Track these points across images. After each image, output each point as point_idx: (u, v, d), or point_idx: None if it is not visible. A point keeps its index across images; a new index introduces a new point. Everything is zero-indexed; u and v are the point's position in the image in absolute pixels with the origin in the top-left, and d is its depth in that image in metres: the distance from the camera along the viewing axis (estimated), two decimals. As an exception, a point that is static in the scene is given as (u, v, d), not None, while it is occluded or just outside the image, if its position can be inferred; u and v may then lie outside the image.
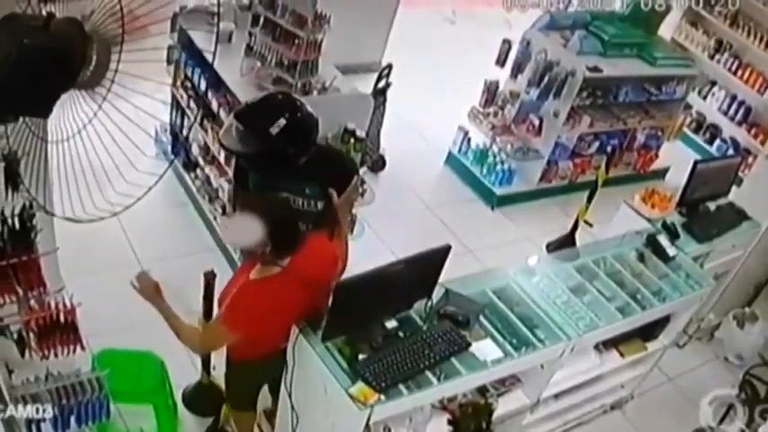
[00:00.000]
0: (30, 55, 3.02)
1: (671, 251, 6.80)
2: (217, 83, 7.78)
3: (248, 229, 4.55)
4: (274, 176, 5.40)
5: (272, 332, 5.00)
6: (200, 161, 8.52)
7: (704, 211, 7.65)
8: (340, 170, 5.72)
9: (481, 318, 5.55)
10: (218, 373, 5.97)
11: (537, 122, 10.03)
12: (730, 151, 12.07)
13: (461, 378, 5.14)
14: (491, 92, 10.47)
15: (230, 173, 7.62)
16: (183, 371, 6.29)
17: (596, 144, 10.63)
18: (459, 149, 10.62)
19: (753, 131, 12.06)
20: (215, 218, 8.15)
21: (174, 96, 8.73)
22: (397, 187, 9.74)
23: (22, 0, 3.16)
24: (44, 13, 3.18)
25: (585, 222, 9.01)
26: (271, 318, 4.85)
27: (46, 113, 3.35)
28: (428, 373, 5.02)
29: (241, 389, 5.62)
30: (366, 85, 9.03)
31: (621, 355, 6.69)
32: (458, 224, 9.49)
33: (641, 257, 6.77)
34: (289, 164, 5.31)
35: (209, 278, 5.76)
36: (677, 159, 11.11)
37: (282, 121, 5.21)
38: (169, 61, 8.46)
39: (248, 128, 5.25)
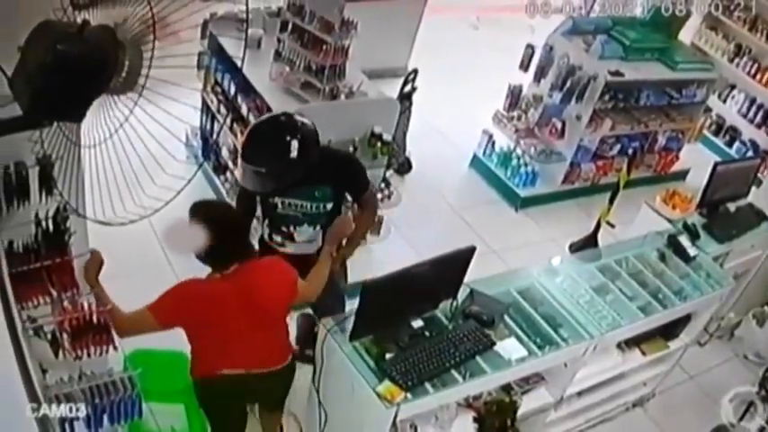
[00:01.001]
0: (64, 61, 3.01)
1: (692, 251, 6.86)
2: (246, 88, 7.90)
3: (190, 237, 4.59)
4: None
5: (203, 344, 4.92)
6: (230, 164, 8.59)
7: (724, 212, 7.70)
8: (346, 167, 5.81)
9: (505, 317, 5.64)
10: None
11: (560, 125, 10.10)
12: (749, 153, 12.08)
13: (486, 376, 5.22)
14: (515, 96, 10.53)
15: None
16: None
17: (618, 146, 10.69)
18: (484, 152, 10.69)
19: (772, 134, 12.07)
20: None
21: (204, 101, 8.83)
22: (423, 189, 9.81)
23: (57, 8, 3.20)
24: (78, 20, 3.22)
25: (608, 223, 9.05)
26: (196, 318, 4.75)
27: (79, 118, 3.36)
28: (454, 372, 5.11)
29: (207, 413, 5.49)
30: (392, 89, 9.10)
31: (643, 353, 6.74)
32: (482, 225, 9.54)
33: (662, 257, 6.84)
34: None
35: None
36: (697, 161, 11.15)
37: (295, 143, 5.25)
38: (200, 67, 8.60)
39: (270, 166, 5.30)
